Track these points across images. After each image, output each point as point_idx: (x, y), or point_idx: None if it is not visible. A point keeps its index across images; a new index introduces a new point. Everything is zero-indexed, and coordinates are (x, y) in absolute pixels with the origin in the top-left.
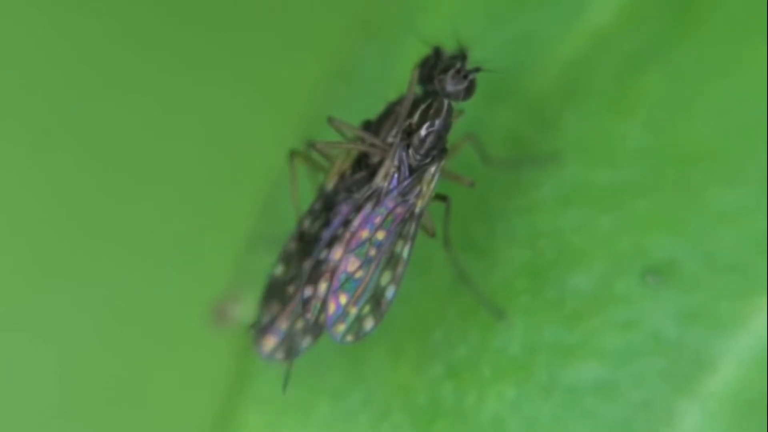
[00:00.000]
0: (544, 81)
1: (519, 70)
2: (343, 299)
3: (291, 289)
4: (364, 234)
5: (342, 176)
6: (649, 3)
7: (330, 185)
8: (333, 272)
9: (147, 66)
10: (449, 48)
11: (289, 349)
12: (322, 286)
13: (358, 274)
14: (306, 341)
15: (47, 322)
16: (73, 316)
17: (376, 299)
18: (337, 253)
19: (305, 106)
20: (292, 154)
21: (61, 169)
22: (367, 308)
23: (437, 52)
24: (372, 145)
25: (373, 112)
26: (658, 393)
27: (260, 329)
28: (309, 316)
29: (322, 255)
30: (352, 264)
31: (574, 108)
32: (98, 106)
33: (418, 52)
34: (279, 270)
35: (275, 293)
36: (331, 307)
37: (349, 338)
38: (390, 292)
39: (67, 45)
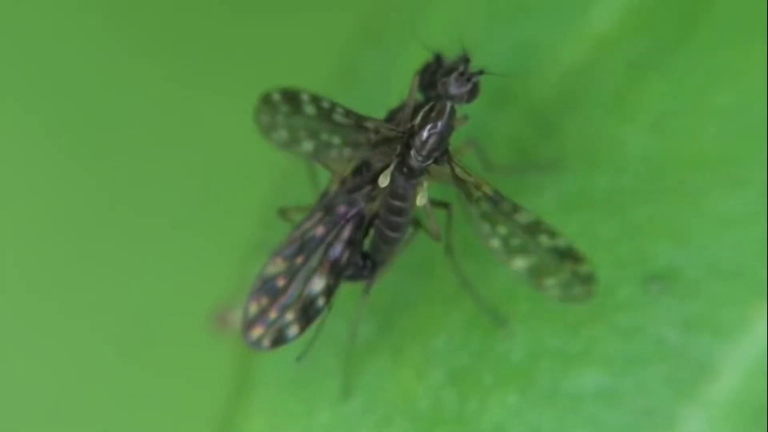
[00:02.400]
0: (546, 87)
1: (521, 76)
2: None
3: (282, 282)
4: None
5: (343, 182)
6: (651, 10)
7: (331, 191)
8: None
9: (150, 69)
10: (450, 54)
11: (276, 337)
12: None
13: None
14: (293, 331)
15: (49, 324)
16: (75, 319)
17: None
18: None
19: None
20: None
21: (64, 173)
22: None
23: (438, 58)
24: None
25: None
26: (660, 400)
27: (249, 321)
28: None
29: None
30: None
31: (576, 114)
32: (102, 110)
33: (420, 57)
34: (270, 268)
35: (265, 287)
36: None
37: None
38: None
39: (72, 48)
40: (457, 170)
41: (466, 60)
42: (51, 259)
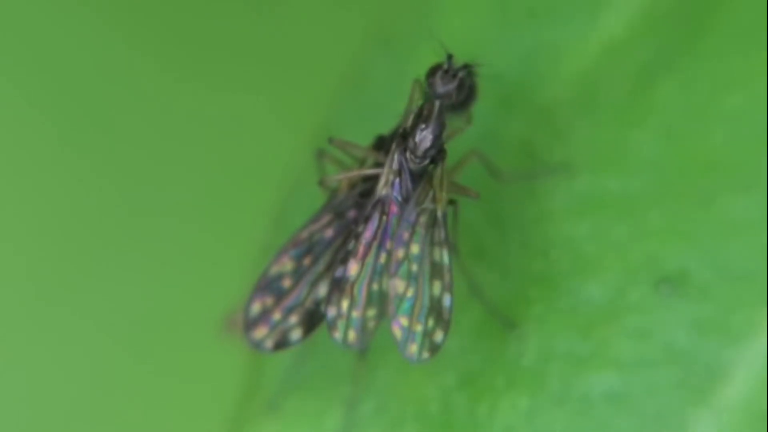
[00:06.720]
0: (557, 91)
1: (532, 80)
2: (404, 322)
3: (288, 283)
4: (400, 254)
5: (353, 186)
6: (662, 14)
7: (341, 194)
8: (352, 288)
9: (160, 70)
10: (461, 57)
11: (279, 340)
12: (344, 304)
13: (409, 293)
14: (297, 335)
15: (59, 326)
16: (84, 320)
17: (437, 310)
18: (352, 268)
19: (319, 116)
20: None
21: (75, 175)
22: (431, 321)
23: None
24: (377, 164)
25: (385, 123)
26: (671, 403)
27: (251, 320)
28: (337, 335)
29: (338, 273)
30: (399, 286)
31: (587, 118)
32: (113, 111)
33: (430, 62)
34: (275, 267)
35: (269, 287)
36: (398, 334)
37: (426, 355)
38: (447, 300)
39: (82, 48)
40: (437, 172)
41: (449, 57)
42: (60, 261)
